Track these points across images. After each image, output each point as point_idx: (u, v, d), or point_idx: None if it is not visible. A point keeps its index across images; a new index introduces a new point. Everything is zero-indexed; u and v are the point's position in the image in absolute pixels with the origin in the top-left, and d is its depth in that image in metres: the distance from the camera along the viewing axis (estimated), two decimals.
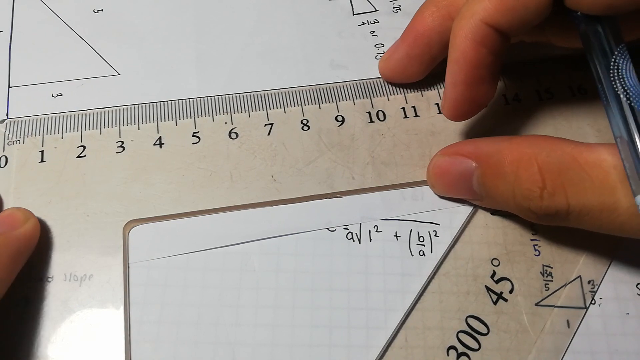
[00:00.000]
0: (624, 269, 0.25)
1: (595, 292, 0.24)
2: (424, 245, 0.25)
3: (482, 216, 0.25)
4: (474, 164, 0.24)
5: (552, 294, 0.24)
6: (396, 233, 0.25)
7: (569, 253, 0.25)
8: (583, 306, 0.24)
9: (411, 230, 0.25)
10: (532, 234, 0.25)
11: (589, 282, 0.24)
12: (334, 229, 0.25)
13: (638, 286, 0.24)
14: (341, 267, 0.24)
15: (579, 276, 0.24)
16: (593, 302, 0.24)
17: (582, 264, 0.25)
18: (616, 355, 0.23)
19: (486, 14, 0.22)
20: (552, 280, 0.24)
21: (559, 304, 0.24)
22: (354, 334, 0.23)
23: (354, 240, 0.25)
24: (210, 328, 0.23)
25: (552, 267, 0.25)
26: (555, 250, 0.25)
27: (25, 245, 0.23)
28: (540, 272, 0.24)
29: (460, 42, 0.23)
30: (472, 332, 0.23)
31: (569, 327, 0.23)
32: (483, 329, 0.23)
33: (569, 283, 0.24)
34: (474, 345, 0.23)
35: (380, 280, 0.24)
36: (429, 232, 0.25)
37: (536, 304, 0.24)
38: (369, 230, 0.25)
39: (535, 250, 0.25)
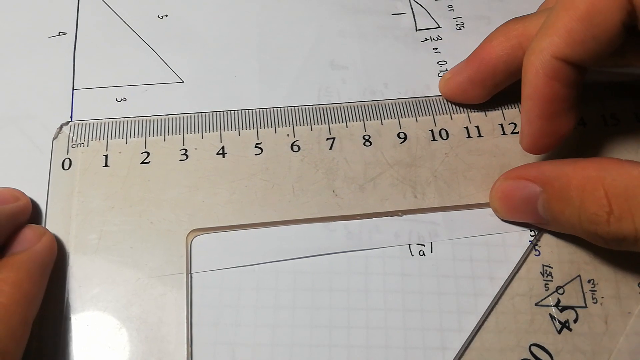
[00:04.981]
0: (624, 268, 0.24)
1: (596, 291, 0.24)
2: (423, 245, 0.25)
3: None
4: (539, 188, 0.23)
5: (552, 293, 0.24)
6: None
7: (569, 253, 0.25)
8: (583, 305, 0.24)
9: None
10: (532, 235, 0.25)
11: (589, 281, 0.24)
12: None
13: (639, 285, 0.24)
14: (341, 268, 0.24)
15: (579, 275, 0.24)
16: (595, 301, 0.24)
17: (582, 263, 0.24)
18: (618, 354, 0.23)
19: (556, 49, 0.22)
20: (552, 280, 0.24)
21: (559, 304, 0.24)
22: (354, 334, 0.23)
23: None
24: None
25: (552, 267, 0.24)
26: (555, 250, 0.25)
27: (48, 258, 0.23)
28: (540, 272, 0.24)
29: (531, 78, 0.23)
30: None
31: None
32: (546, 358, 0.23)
33: (569, 282, 0.24)
34: None
35: (380, 280, 0.24)
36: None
37: (536, 304, 0.24)
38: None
39: (535, 250, 0.25)
